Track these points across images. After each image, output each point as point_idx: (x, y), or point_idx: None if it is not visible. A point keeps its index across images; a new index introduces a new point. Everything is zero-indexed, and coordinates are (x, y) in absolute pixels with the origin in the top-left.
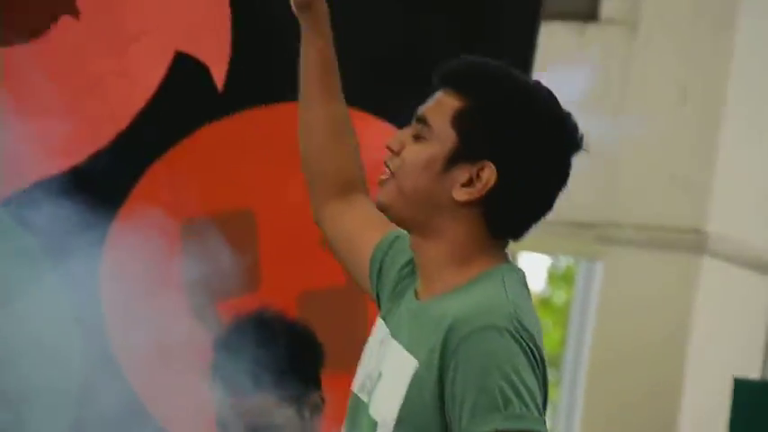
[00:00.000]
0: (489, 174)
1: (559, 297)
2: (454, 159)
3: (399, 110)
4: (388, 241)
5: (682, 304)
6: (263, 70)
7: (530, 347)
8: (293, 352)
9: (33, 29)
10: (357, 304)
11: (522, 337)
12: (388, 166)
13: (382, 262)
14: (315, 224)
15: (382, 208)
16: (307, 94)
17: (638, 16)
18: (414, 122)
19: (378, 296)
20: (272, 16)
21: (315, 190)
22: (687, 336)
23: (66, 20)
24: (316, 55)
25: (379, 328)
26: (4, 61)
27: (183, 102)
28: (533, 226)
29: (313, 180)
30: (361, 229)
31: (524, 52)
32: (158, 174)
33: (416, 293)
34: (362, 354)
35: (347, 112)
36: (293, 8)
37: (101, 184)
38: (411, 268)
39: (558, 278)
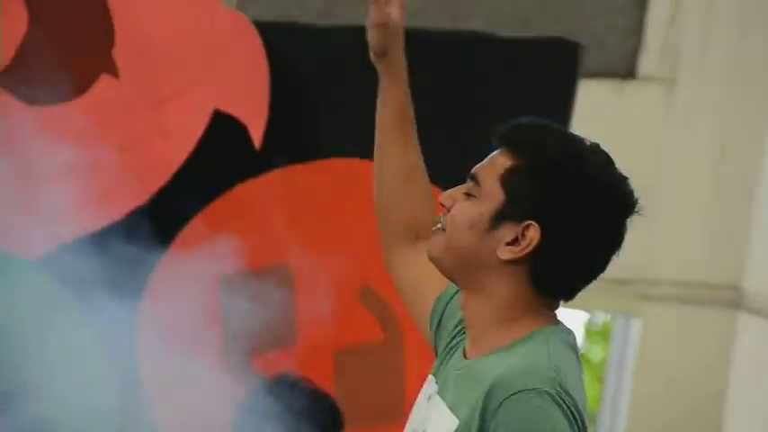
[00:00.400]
0: (533, 233)
1: (596, 353)
2: (500, 217)
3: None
4: (450, 294)
5: (720, 361)
6: (300, 128)
7: (571, 412)
8: (313, 419)
9: (74, 88)
10: (393, 360)
11: (563, 401)
12: (440, 222)
13: (442, 315)
14: (351, 280)
15: (431, 259)
16: (382, 142)
17: (676, 74)
18: (468, 180)
19: (435, 348)
20: (310, 75)
21: (385, 235)
22: (725, 392)
23: (105, 79)
24: (392, 102)
25: (429, 384)
26: (48, 119)
27: (221, 159)
28: (584, 286)
29: (384, 225)
30: (427, 278)
31: (562, 110)
32: (197, 230)
33: (465, 351)
34: (412, 408)
35: (422, 159)
36: (371, 55)
37: (140, 239)
38: (463, 327)
39: (595, 334)
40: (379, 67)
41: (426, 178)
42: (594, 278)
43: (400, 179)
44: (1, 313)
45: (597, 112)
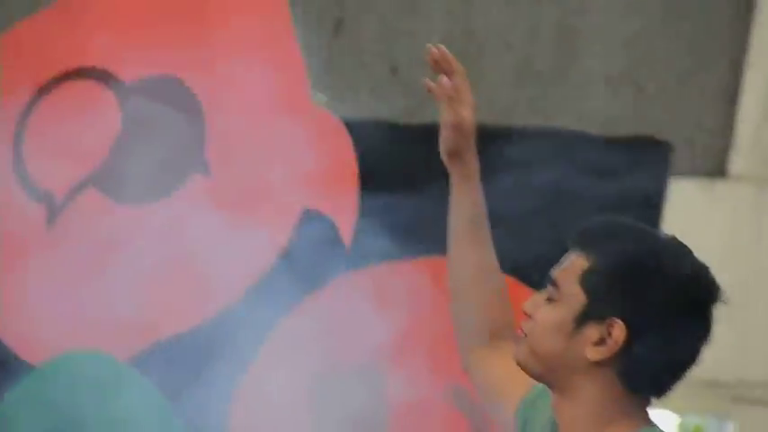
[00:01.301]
0: (619, 331)
1: None
2: (584, 319)
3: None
4: (533, 396)
5: None
6: (390, 226)
7: None
8: None
9: (166, 187)
10: None
11: None
12: (524, 329)
13: (527, 419)
14: (444, 379)
15: (519, 366)
16: (455, 244)
17: (767, 172)
18: (548, 285)
19: None
20: (398, 171)
21: (462, 337)
22: None
23: (197, 177)
24: (466, 203)
25: None
26: (140, 218)
27: (311, 257)
28: (675, 382)
29: (461, 327)
30: (508, 378)
31: (653, 210)
32: (287, 329)
33: None
34: None
35: (496, 260)
36: (443, 157)
37: (231, 339)
38: (553, 428)
39: None
40: (452, 169)
41: (501, 278)
42: (685, 373)
43: (476, 283)
44: (94, 413)
45: (688, 212)
